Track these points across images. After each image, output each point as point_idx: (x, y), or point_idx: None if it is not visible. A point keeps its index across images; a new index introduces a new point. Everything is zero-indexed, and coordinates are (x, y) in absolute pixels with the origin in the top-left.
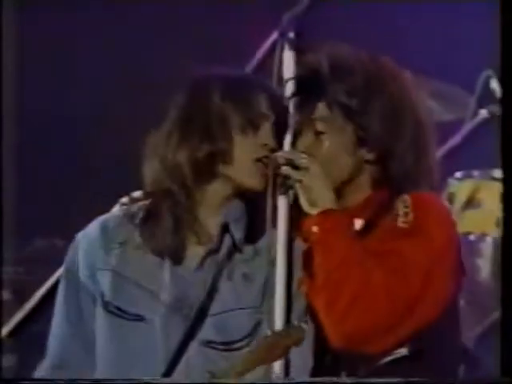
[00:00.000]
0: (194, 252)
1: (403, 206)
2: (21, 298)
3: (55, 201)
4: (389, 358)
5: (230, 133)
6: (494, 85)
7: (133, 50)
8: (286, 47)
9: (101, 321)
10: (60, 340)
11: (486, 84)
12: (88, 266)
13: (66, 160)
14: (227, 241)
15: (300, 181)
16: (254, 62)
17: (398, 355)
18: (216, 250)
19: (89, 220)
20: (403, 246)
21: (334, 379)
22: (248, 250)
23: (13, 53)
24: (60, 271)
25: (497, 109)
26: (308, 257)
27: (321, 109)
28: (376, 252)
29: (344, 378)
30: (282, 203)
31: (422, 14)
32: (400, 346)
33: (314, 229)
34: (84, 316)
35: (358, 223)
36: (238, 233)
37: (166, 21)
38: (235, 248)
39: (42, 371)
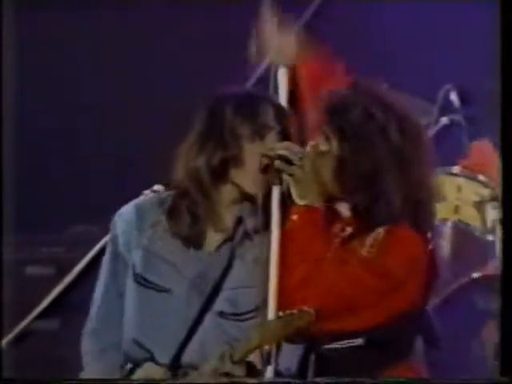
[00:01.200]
0: (212, 238)
1: (373, 238)
2: (61, 273)
3: (90, 193)
4: (346, 346)
5: (240, 141)
6: (453, 97)
7: (132, 50)
8: (281, 67)
9: (130, 289)
10: (102, 301)
11: (447, 96)
12: (124, 242)
13: (95, 159)
14: (241, 231)
15: (292, 174)
16: (255, 77)
17: (354, 344)
18: (231, 238)
19: (118, 209)
20: (360, 268)
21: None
22: (258, 237)
23: (13, 53)
24: (93, 252)
25: (456, 117)
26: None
27: (326, 130)
28: (338, 257)
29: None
30: (275, 192)
31: (423, 14)
32: (352, 336)
33: (294, 217)
34: (120, 281)
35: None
36: (250, 224)
37: (167, 23)
38: (247, 236)
39: (89, 326)
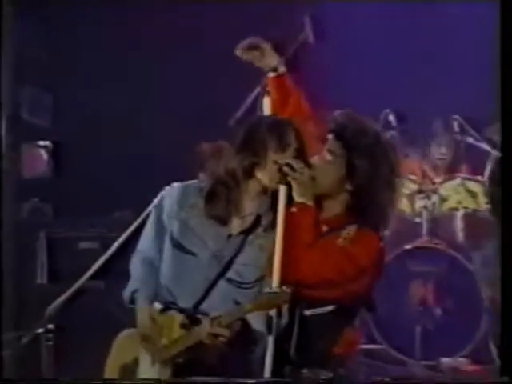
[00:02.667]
0: (235, 223)
1: (346, 232)
2: (105, 247)
3: (126, 187)
4: (320, 311)
5: (266, 152)
6: (391, 117)
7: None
8: (266, 96)
9: (167, 248)
10: (146, 246)
11: (386, 117)
12: (168, 212)
13: (129, 160)
14: (257, 225)
15: (294, 178)
16: (247, 104)
17: (327, 310)
18: (249, 230)
19: (150, 197)
20: (336, 253)
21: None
22: (269, 230)
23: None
24: (128, 231)
25: (393, 132)
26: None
27: (334, 145)
28: (320, 245)
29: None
30: (282, 190)
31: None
32: (326, 303)
33: (293, 209)
34: (160, 239)
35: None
36: (265, 221)
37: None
38: (260, 227)
39: (135, 263)
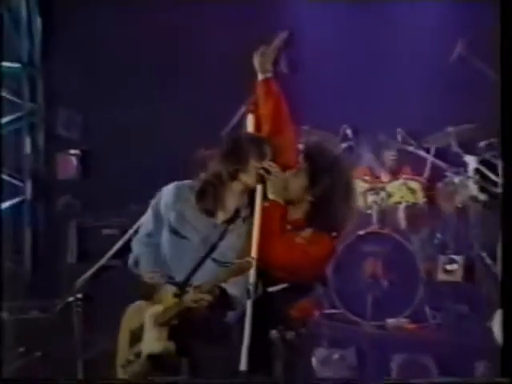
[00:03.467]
0: (220, 215)
1: (305, 233)
2: (122, 233)
3: (139, 186)
4: (276, 288)
5: (247, 159)
6: (348, 131)
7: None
8: (249, 115)
9: (165, 235)
10: (146, 224)
11: (345, 131)
12: (164, 206)
13: (144, 163)
14: (237, 216)
15: (268, 179)
16: (233, 122)
17: (282, 287)
18: (231, 220)
19: (155, 195)
20: (296, 249)
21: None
22: (246, 221)
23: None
24: (139, 221)
25: (350, 143)
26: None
27: (301, 162)
28: (284, 238)
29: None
30: (258, 189)
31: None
32: (283, 282)
33: (266, 204)
34: (159, 228)
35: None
36: (243, 213)
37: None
38: (239, 218)
39: (136, 241)
